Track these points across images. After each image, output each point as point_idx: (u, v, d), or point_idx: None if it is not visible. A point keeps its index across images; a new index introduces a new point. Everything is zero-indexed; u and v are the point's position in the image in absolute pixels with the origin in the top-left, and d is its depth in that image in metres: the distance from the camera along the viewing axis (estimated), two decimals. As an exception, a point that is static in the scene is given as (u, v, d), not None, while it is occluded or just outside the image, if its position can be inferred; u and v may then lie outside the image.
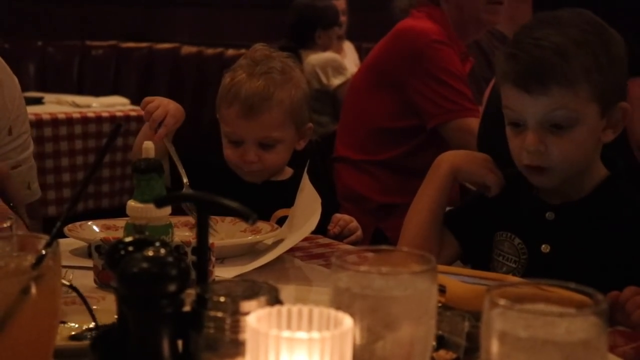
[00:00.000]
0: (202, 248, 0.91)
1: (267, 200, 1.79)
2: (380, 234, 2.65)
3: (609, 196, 1.53)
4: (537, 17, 1.54)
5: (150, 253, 0.83)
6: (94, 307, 1.22)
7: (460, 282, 1.18)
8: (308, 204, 1.62)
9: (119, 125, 1.05)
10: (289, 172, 1.99)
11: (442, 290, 1.14)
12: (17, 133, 1.79)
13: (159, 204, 0.99)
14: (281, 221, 1.73)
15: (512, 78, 1.47)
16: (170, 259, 0.83)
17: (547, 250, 1.53)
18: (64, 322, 1.12)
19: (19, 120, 1.79)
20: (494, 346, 0.77)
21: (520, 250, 1.56)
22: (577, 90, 1.44)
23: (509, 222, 1.59)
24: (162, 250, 0.84)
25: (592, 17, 1.50)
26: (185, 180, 1.79)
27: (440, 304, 1.11)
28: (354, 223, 1.93)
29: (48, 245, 0.86)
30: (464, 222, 1.67)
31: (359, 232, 1.93)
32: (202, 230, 0.91)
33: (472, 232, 1.65)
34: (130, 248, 0.87)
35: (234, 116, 1.89)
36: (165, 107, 1.84)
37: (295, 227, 1.63)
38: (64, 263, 1.40)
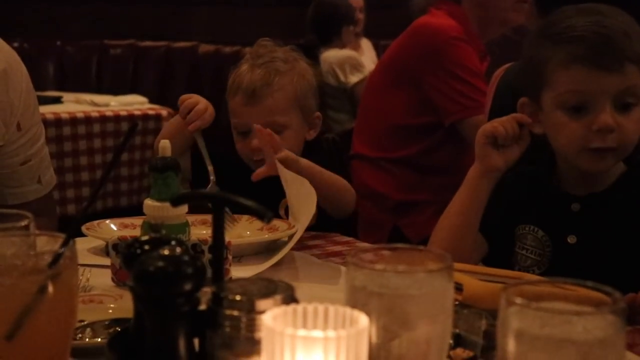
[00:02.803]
0: (218, 246, 0.91)
1: (282, 195, 1.81)
2: (398, 232, 2.65)
3: (633, 186, 1.53)
4: (575, 8, 1.53)
5: (166, 252, 0.83)
6: (112, 305, 1.23)
7: (478, 280, 1.18)
8: (299, 190, 1.62)
9: (135, 125, 1.05)
10: None
11: (459, 288, 1.13)
12: (26, 127, 1.74)
13: (175, 202, 1.00)
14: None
15: (583, 58, 1.45)
16: (186, 257, 0.83)
17: (574, 241, 1.53)
18: (81, 321, 1.12)
19: (27, 114, 1.74)
20: (511, 345, 0.77)
21: (544, 242, 1.56)
22: None
23: (530, 215, 1.59)
24: (178, 249, 0.84)
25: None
26: (212, 177, 1.83)
27: (457, 302, 1.11)
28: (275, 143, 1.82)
29: (65, 244, 0.86)
30: (486, 217, 1.64)
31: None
32: (218, 229, 0.91)
33: (496, 227, 1.63)
34: (146, 247, 0.87)
35: (238, 105, 1.93)
36: (205, 102, 1.92)
37: (297, 215, 1.63)
38: (82, 261, 1.41)
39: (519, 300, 0.76)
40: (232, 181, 1.83)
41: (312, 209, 1.57)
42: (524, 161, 1.58)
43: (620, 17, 1.49)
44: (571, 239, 1.54)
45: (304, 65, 2.00)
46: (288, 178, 1.66)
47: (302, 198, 1.61)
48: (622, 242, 1.50)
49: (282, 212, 1.80)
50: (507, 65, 2.04)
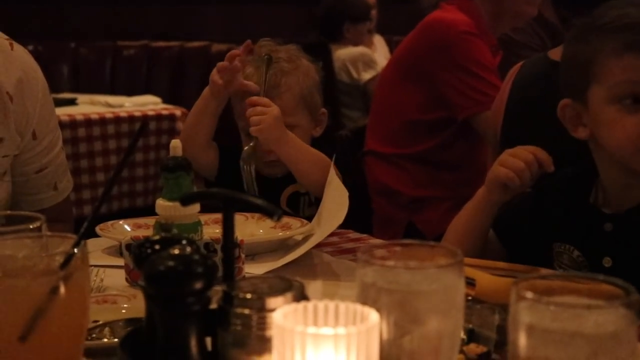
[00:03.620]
0: (229, 245, 0.91)
1: (282, 191, 1.82)
2: (413, 228, 2.64)
3: None
4: (624, 1, 1.46)
5: (176, 251, 0.84)
6: (125, 305, 1.23)
7: (490, 274, 1.17)
8: (336, 198, 1.62)
9: (145, 124, 1.06)
10: None
11: (471, 283, 1.13)
12: (42, 136, 1.71)
13: (185, 201, 1.00)
14: (293, 201, 1.75)
15: (639, 45, 1.37)
16: (196, 256, 0.84)
17: (610, 264, 1.44)
18: (96, 321, 1.12)
19: (42, 122, 1.71)
20: (522, 339, 0.76)
21: (580, 263, 1.47)
22: None
23: (565, 232, 1.50)
24: (188, 248, 0.85)
25: None
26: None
27: (470, 297, 1.10)
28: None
29: (76, 245, 0.87)
30: (513, 230, 1.59)
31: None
32: (229, 228, 0.91)
33: (525, 242, 1.57)
34: (157, 246, 0.87)
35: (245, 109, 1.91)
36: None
37: (323, 221, 1.63)
38: (97, 262, 1.42)
39: (529, 294, 0.76)
40: (236, 179, 1.85)
41: (339, 220, 1.56)
42: (566, 160, 1.50)
43: None
44: (607, 262, 1.44)
45: (307, 62, 1.99)
46: (334, 183, 1.65)
47: (336, 206, 1.60)
48: None
49: (283, 205, 1.81)
50: (522, 62, 2.03)
